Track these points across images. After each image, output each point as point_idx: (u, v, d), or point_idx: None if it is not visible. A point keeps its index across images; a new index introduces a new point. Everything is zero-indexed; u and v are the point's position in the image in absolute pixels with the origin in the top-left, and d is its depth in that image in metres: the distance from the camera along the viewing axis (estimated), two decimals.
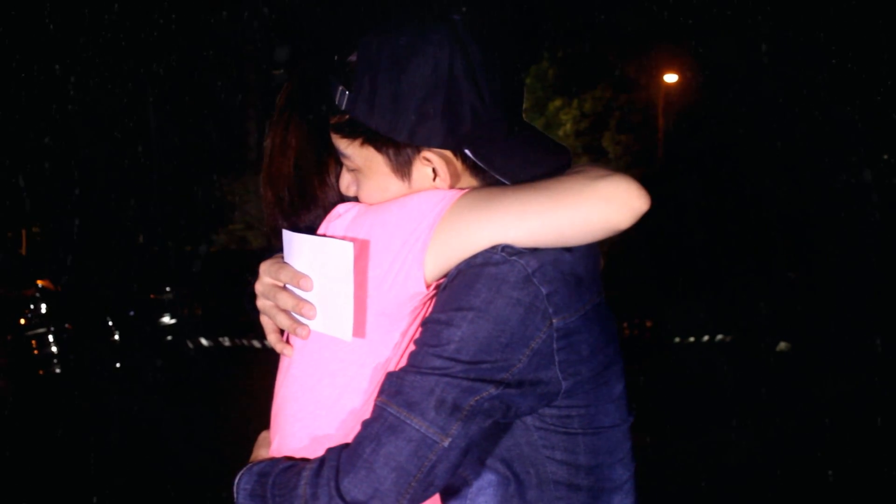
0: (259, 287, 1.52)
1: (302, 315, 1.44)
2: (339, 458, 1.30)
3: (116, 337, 13.83)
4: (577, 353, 1.36)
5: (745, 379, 13.56)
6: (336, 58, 1.49)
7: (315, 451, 1.39)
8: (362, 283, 1.38)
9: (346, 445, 1.33)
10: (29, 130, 18.10)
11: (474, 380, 1.30)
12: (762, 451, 7.88)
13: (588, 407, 1.40)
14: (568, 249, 1.37)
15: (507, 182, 1.40)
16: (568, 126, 33.34)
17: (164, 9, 18.33)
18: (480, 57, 1.39)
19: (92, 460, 7.99)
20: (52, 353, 11.85)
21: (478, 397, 1.30)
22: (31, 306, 12.24)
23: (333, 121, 1.47)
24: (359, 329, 1.39)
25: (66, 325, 12.45)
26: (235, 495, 1.41)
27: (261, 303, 1.52)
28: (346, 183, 1.52)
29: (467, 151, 1.40)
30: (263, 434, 1.59)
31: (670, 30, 24.62)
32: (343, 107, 1.43)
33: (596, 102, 32.79)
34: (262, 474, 1.39)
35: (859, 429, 8.73)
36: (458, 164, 1.43)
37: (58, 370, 11.79)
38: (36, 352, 11.62)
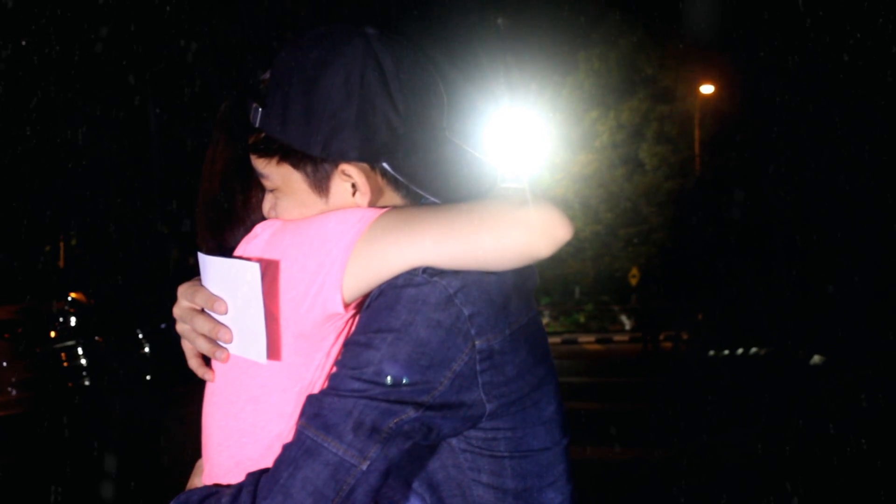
0: (177, 311, 1.50)
1: (218, 339, 1.42)
2: (257, 484, 1.29)
3: (146, 349, 13.98)
4: (502, 375, 1.34)
5: (779, 391, 13.40)
6: (251, 78, 1.48)
7: (241, 479, 1.37)
8: (275, 303, 1.36)
9: (265, 471, 1.32)
10: (68, 147, 18.37)
11: (394, 402, 1.28)
12: (796, 463, 7.78)
13: (515, 430, 1.38)
14: None
15: (429, 197, 1.39)
16: (605, 137, 33.24)
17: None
18: (395, 70, 1.37)
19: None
20: (82, 365, 11.94)
21: (397, 419, 1.28)
22: (62, 319, 12.34)
23: (251, 140, 1.45)
24: (273, 351, 1.36)
25: (97, 338, 12.57)
26: None
27: (180, 327, 1.50)
28: (268, 205, 1.49)
29: (385, 165, 1.38)
30: (200, 461, 1.57)
31: (707, 41, 24.46)
32: (257, 124, 1.41)
33: (633, 113, 32.66)
34: (186, 503, 1.39)
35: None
36: (379, 179, 1.41)
37: (87, 382, 11.88)
38: (66, 364, 11.72)
